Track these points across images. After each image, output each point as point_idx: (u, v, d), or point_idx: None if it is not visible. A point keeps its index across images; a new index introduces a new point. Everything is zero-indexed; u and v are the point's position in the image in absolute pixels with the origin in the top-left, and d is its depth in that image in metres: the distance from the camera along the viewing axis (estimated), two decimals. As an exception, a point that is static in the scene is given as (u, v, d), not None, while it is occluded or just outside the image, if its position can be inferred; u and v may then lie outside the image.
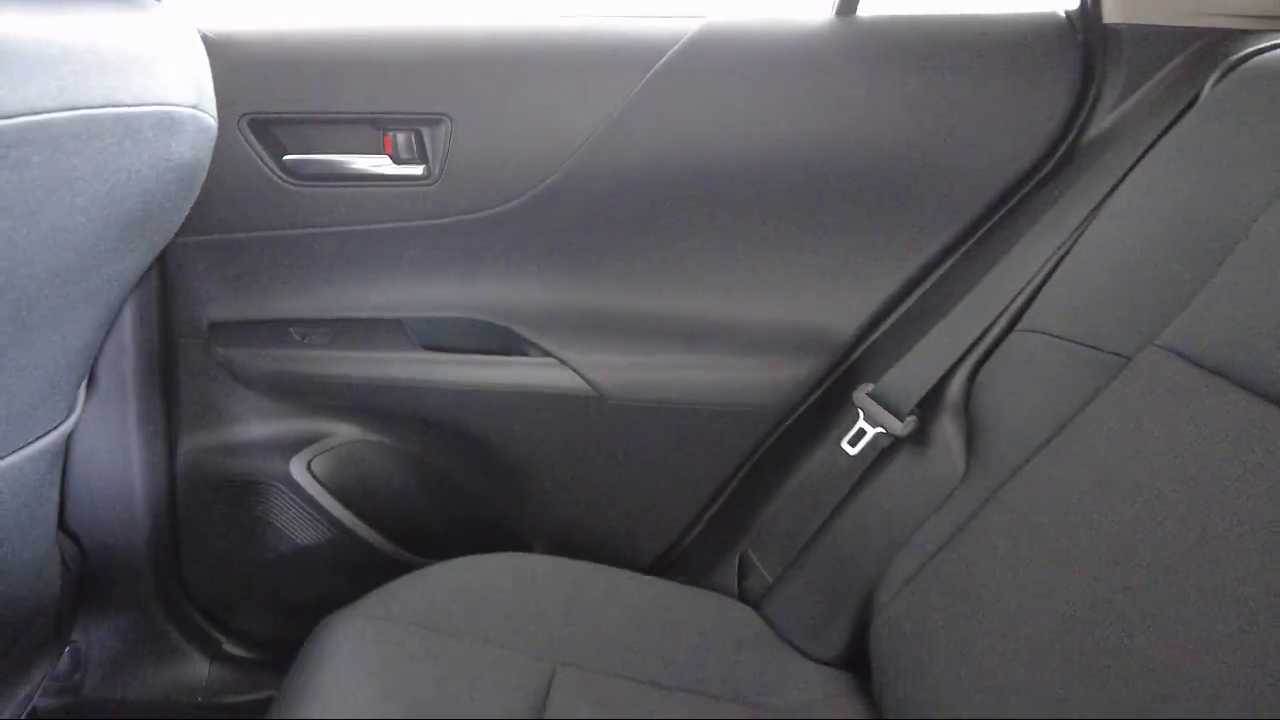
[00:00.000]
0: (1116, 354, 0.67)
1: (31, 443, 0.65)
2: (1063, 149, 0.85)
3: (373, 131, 0.85)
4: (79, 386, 0.73)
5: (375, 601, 0.76)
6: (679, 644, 0.80)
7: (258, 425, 0.96)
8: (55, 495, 0.78)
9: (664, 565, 1.01)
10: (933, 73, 0.84)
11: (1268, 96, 0.67)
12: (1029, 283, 0.79)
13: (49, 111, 0.43)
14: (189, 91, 0.57)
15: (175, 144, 0.56)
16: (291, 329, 0.91)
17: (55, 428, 0.69)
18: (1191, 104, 0.74)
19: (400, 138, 0.84)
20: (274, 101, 0.82)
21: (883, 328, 0.91)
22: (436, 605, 0.76)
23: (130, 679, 1.02)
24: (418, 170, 0.86)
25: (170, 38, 0.57)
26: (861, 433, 0.83)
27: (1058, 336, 0.74)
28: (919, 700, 0.67)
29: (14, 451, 0.63)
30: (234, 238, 0.86)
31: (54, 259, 0.51)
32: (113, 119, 0.48)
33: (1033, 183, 0.86)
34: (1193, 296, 0.64)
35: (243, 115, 0.81)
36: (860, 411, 0.83)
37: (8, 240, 0.44)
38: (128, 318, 0.85)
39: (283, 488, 0.97)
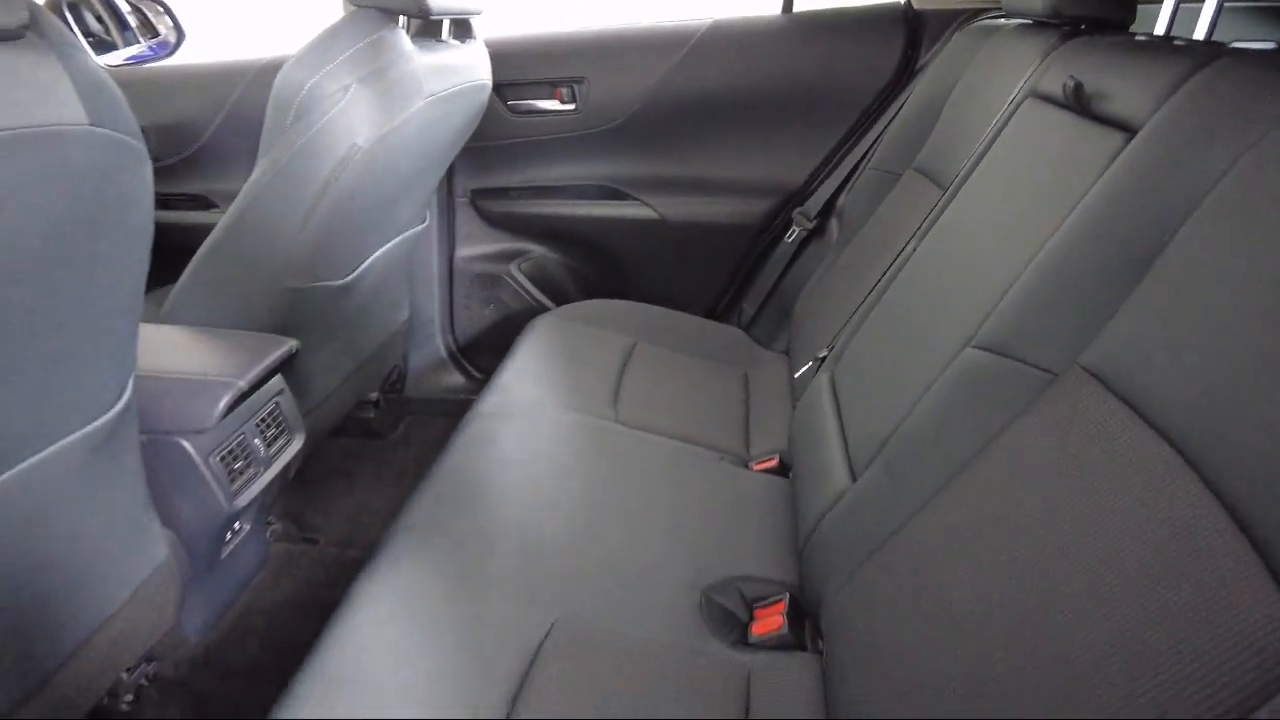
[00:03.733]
0: (894, 173, 1.43)
1: (416, 228, 1.55)
2: (904, 76, 1.57)
3: (550, 87, 1.69)
4: (428, 209, 1.63)
5: (553, 311, 1.61)
6: (700, 341, 1.60)
7: (493, 245, 1.85)
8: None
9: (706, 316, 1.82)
10: (832, 39, 1.59)
11: (965, 40, 1.39)
12: (875, 142, 1.54)
13: (460, 85, 1.29)
14: (488, 75, 1.42)
15: (481, 97, 1.42)
16: (510, 191, 1.79)
17: (422, 225, 1.58)
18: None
19: (563, 90, 1.68)
20: (504, 75, 1.67)
21: (817, 179, 1.67)
22: (580, 314, 1.60)
23: (424, 385, 1.94)
24: (571, 107, 1.69)
25: (482, 52, 1.42)
26: (794, 231, 1.61)
27: (882, 170, 1.49)
28: (800, 353, 1.44)
29: (415, 226, 1.53)
30: (483, 144, 1.72)
31: (445, 158, 1.38)
32: (470, 87, 1.34)
33: (889, 94, 1.59)
34: (927, 137, 1.37)
35: (489, 82, 1.67)
36: (793, 221, 1.61)
37: (443, 139, 1.31)
38: (435, 188, 1.74)
39: (506, 279, 1.85)
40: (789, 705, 0.82)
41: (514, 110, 1.71)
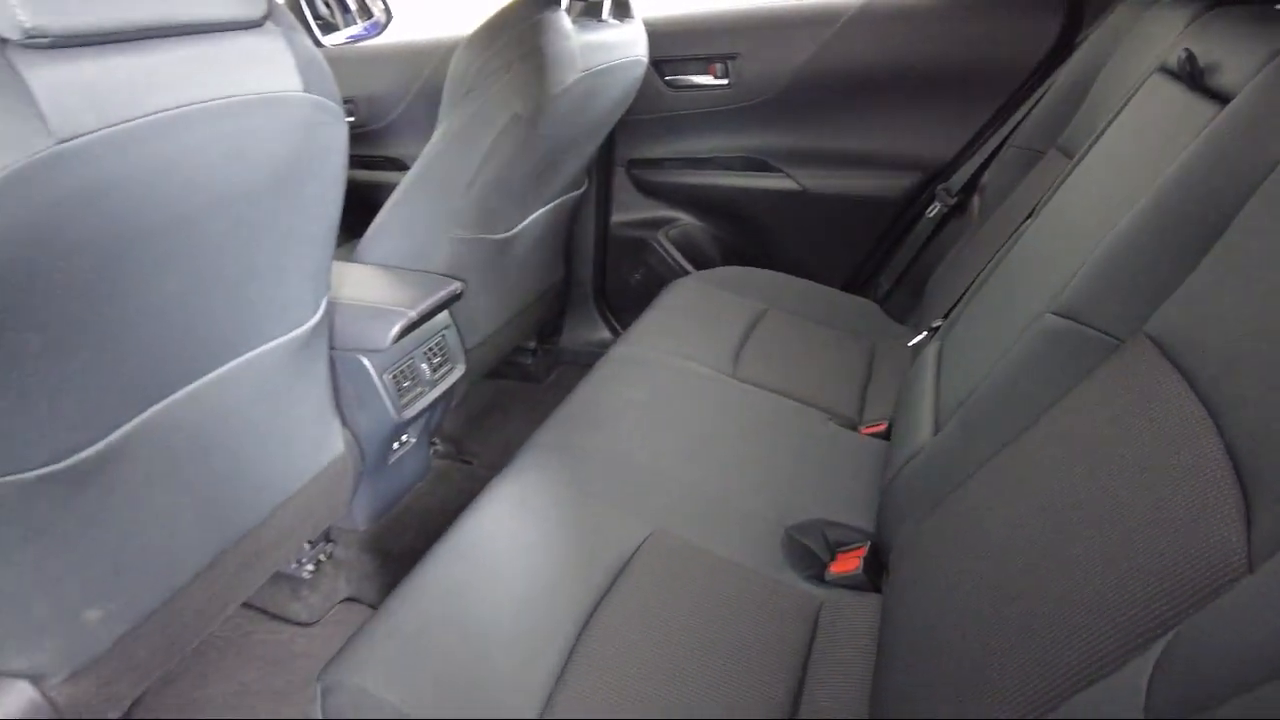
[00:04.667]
0: (1038, 151, 1.41)
1: (574, 193, 1.71)
2: (1061, 53, 1.53)
3: (704, 63, 1.78)
4: (587, 176, 1.78)
5: (693, 275, 1.73)
6: (832, 312, 1.65)
7: (644, 212, 1.98)
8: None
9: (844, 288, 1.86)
10: (988, 15, 1.57)
11: (1124, 14, 1.35)
12: (1021, 120, 1.52)
13: (615, 61, 1.42)
14: (644, 52, 1.55)
15: (636, 72, 1.54)
16: (663, 162, 1.91)
17: (579, 190, 1.74)
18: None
19: (717, 66, 1.77)
20: (662, 51, 1.78)
21: (964, 156, 1.66)
22: (717, 279, 1.70)
23: (576, 338, 2.12)
24: (724, 81, 1.78)
25: (640, 31, 1.54)
26: (935, 207, 1.62)
27: (1026, 147, 1.48)
28: (925, 326, 1.47)
29: (573, 191, 1.69)
30: (641, 117, 1.85)
31: (601, 128, 1.52)
32: (625, 63, 1.47)
33: (1044, 71, 1.55)
34: (1073, 115, 1.35)
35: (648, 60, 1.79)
36: (936, 197, 1.63)
37: (598, 111, 1.45)
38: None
39: (654, 245, 1.98)
40: (852, 635, 0.90)
41: (670, 85, 1.82)
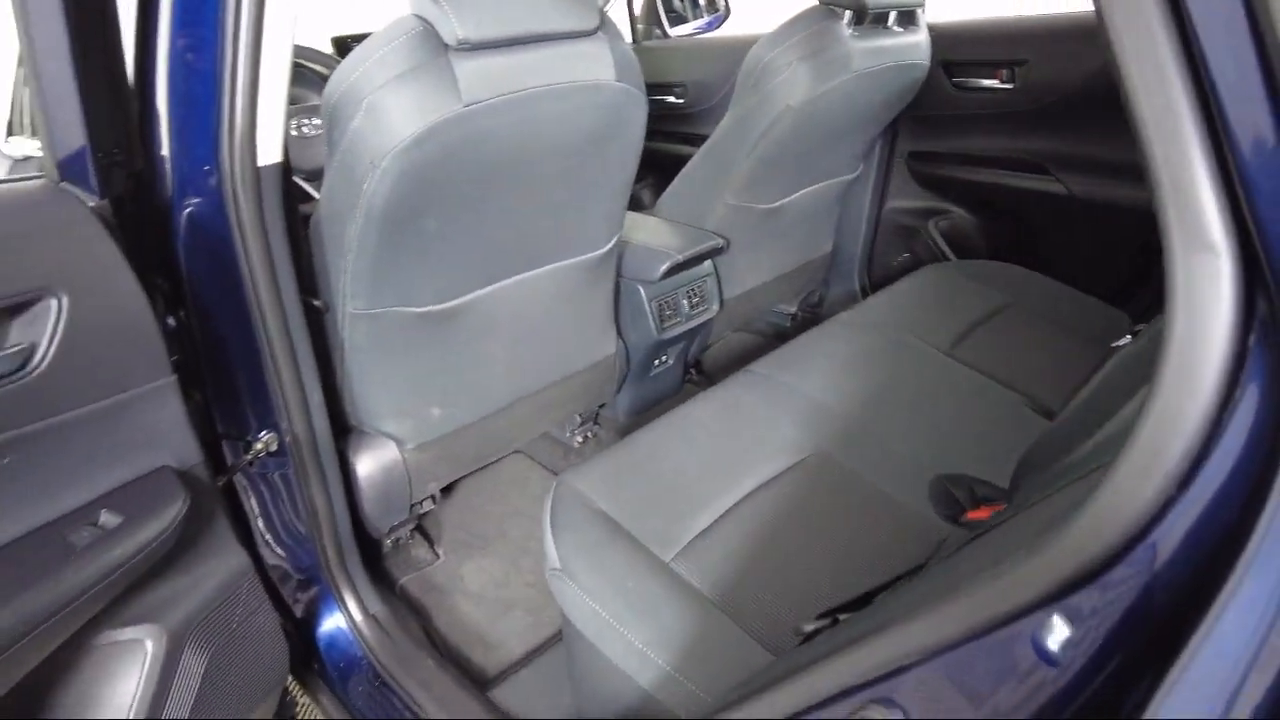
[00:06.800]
0: None
1: (844, 176, 1.93)
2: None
3: (991, 68, 1.89)
4: (862, 161, 1.99)
5: (949, 263, 1.86)
6: (1077, 316, 1.70)
7: (918, 201, 2.14)
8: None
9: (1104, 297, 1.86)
10: None
11: None
12: None
13: (889, 64, 1.62)
14: (923, 57, 1.72)
15: (914, 75, 1.72)
16: (941, 156, 2.04)
17: (851, 174, 1.96)
18: None
19: (1003, 70, 1.87)
20: (953, 54, 1.91)
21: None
22: (972, 270, 1.83)
23: (836, 308, 2.31)
24: (1009, 86, 1.87)
25: (922, 38, 1.72)
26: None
27: None
28: None
29: (844, 175, 1.91)
30: (925, 113, 2.00)
31: (871, 122, 1.73)
32: (900, 66, 1.66)
33: None
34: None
35: (937, 61, 1.92)
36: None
37: (869, 107, 1.67)
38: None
39: (922, 232, 2.13)
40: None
41: (957, 86, 1.95)
